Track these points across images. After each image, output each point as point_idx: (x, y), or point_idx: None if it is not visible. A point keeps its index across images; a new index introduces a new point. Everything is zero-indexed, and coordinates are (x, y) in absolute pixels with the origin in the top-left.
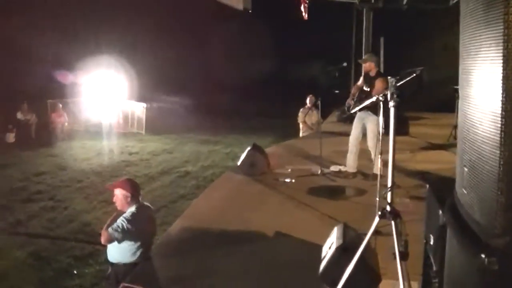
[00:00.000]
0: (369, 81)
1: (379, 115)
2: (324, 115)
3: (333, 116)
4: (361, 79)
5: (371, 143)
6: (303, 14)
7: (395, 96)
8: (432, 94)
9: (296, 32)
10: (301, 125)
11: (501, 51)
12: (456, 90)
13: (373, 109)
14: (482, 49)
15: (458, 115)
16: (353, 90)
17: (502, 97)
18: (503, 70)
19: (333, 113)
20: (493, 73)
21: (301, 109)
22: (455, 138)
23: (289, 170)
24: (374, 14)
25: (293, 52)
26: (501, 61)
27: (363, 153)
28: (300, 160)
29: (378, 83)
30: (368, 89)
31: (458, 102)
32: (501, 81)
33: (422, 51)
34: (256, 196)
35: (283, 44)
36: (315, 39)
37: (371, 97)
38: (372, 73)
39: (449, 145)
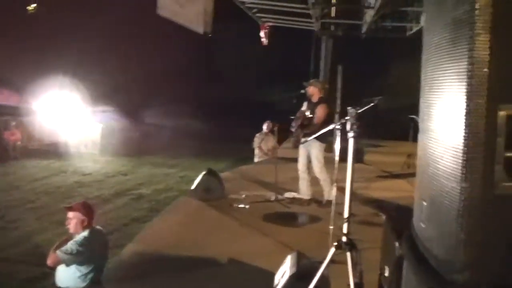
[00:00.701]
0: (312, 107)
1: (325, 142)
2: (281, 141)
3: (289, 142)
4: (305, 104)
5: (316, 169)
6: (263, 39)
7: (355, 127)
8: (388, 122)
9: (257, 57)
10: (256, 151)
11: (465, 86)
12: (412, 119)
13: (312, 133)
14: (445, 84)
15: (418, 148)
16: (298, 114)
17: (465, 132)
18: (466, 105)
19: (289, 139)
20: (456, 108)
21: (257, 134)
22: (408, 166)
23: (244, 196)
24: (333, 41)
25: (254, 76)
26: (465, 96)
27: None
28: (255, 186)
29: (319, 110)
30: (311, 115)
31: (412, 131)
32: (464, 117)
33: (380, 79)
34: (210, 221)
35: (243, 69)
36: (276, 64)
37: (313, 123)
38: (315, 99)
39: (404, 173)
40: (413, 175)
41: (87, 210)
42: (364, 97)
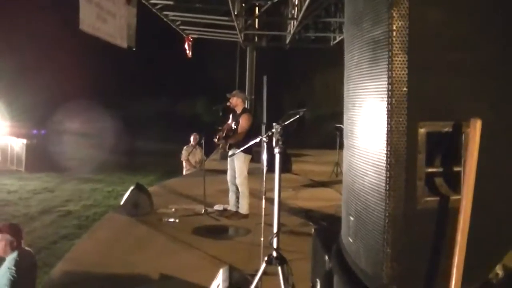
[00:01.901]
0: (236, 118)
1: (250, 153)
2: (208, 153)
3: (216, 153)
4: (231, 117)
5: (238, 180)
6: (187, 51)
7: (280, 142)
8: (314, 131)
9: (182, 70)
10: (184, 163)
11: (385, 105)
12: (337, 128)
13: (240, 145)
14: (366, 102)
15: (344, 164)
16: (224, 127)
17: (387, 150)
18: (388, 124)
19: (217, 150)
20: (377, 126)
21: (184, 147)
22: (336, 175)
23: (173, 210)
24: (257, 52)
25: (179, 90)
26: (386, 115)
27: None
28: (184, 200)
29: (243, 120)
30: (235, 127)
31: (339, 139)
32: (386, 135)
33: (305, 89)
34: (140, 237)
35: (169, 82)
36: (201, 77)
37: (237, 133)
38: (238, 110)
39: (332, 182)
40: (341, 183)
41: (15, 231)
42: (290, 108)
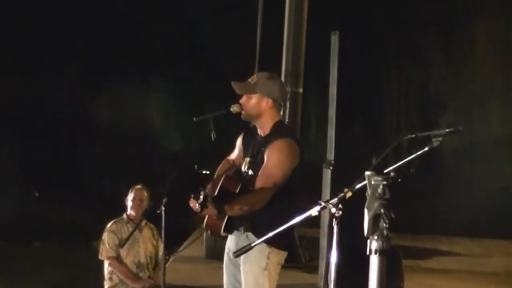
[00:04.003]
0: (256, 148)
1: (282, 244)
2: (175, 241)
3: (199, 242)
4: (239, 140)
5: None
6: None
7: (385, 223)
8: (463, 186)
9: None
10: (107, 267)
11: None
12: None
13: (258, 221)
14: None
15: None
16: (219, 170)
17: None
18: None
19: (197, 233)
20: None
21: (110, 224)
22: None
23: None
24: None
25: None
26: None
27: None
28: None
29: (273, 155)
30: (251, 172)
31: None
32: None
33: (430, 64)
34: None
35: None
36: (167, 38)
37: (254, 193)
38: (264, 127)
39: None
40: None
41: None
42: (400, 119)
